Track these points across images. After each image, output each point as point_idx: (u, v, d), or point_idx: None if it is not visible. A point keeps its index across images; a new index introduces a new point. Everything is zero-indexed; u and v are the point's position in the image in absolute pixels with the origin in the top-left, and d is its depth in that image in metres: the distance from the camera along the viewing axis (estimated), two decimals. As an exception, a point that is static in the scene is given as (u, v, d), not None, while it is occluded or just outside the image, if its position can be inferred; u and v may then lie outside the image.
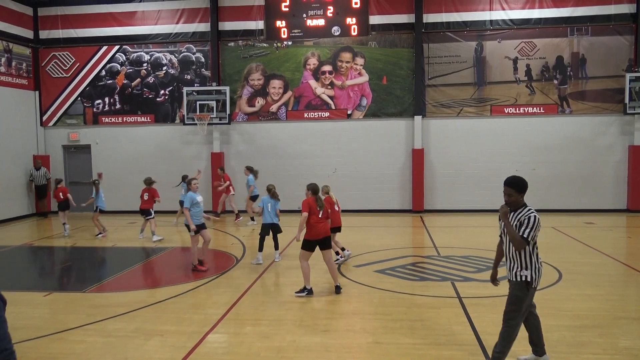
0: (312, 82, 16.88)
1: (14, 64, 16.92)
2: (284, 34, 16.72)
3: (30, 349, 5.83)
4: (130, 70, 17.62)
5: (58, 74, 17.94)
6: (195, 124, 16.61)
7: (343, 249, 10.01)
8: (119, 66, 17.66)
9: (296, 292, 7.71)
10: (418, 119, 16.31)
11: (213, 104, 16.54)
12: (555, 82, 15.98)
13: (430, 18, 16.23)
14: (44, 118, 18.02)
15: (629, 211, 15.61)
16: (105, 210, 13.33)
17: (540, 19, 15.83)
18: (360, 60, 16.67)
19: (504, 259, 5.00)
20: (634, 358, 5.34)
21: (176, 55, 17.40)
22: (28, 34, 17.55)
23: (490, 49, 16.16)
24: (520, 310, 4.68)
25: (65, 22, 17.72)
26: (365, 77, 16.67)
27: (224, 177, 15.21)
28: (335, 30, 16.51)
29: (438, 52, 16.34)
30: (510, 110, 16.17)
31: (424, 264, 9.63)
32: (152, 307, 7.33)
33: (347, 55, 16.71)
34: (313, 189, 7.95)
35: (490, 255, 9.70)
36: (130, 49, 17.57)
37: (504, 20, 15.99)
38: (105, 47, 17.66)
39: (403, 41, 16.52)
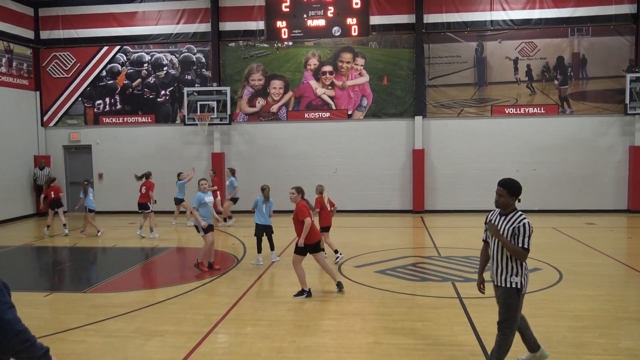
0: (313, 83, 16.88)
1: (14, 64, 16.93)
2: (285, 35, 16.72)
3: (30, 349, 5.82)
4: (131, 70, 17.63)
5: (59, 75, 17.95)
6: (196, 125, 16.61)
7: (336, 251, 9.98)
8: (119, 66, 17.67)
9: (295, 295, 7.70)
10: (419, 119, 16.31)
11: (214, 104, 16.54)
12: (556, 82, 15.97)
13: (430, 18, 16.23)
14: (45, 118, 18.04)
15: (630, 212, 15.59)
16: (95, 210, 13.42)
17: (541, 19, 15.83)
18: (360, 61, 16.67)
19: (488, 264, 4.91)
20: (634, 358, 5.34)
21: (177, 55, 17.40)
22: (29, 34, 17.56)
23: (491, 50, 16.16)
24: (515, 317, 4.66)
25: (66, 22, 17.73)
26: (365, 78, 16.67)
27: (213, 181, 14.38)
28: (336, 30, 16.51)
29: (438, 52, 16.34)
30: (511, 110, 16.17)
31: (424, 265, 9.63)
32: (153, 307, 7.33)
33: (347, 56, 16.71)
34: (302, 191, 7.93)
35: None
36: (131, 50, 17.57)
37: (504, 21, 15.99)
38: (106, 48, 17.67)
39: (403, 41, 16.52)
